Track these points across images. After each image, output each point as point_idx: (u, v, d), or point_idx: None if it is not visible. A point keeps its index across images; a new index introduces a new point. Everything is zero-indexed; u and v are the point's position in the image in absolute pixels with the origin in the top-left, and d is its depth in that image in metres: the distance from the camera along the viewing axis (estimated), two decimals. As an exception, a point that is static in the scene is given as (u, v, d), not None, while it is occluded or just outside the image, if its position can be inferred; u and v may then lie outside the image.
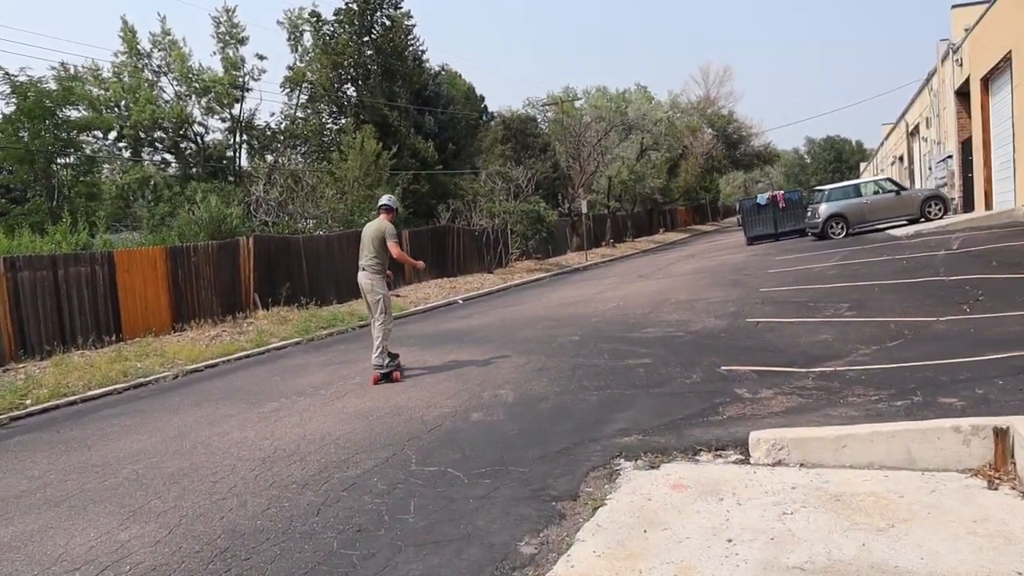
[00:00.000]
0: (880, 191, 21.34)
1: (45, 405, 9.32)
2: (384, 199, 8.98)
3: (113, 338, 13.34)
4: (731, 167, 58.04)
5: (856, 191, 21.39)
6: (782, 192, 25.45)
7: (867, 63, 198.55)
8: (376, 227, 8.63)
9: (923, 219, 20.67)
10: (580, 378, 7.30)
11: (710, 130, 53.28)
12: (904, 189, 21.26)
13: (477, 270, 25.46)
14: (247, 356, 12.20)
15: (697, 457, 4.73)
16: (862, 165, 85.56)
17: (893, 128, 48.01)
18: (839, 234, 20.91)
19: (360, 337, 13.42)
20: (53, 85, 25.80)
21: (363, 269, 8.61)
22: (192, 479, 5.39)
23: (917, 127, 37.83)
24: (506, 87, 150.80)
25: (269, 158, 33.82)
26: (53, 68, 28.82)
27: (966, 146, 25.17)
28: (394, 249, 8.51)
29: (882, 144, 55.28)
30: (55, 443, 7.23)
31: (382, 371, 8.38)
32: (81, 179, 26.91)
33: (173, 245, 15.01)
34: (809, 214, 22.32)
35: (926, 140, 35.14)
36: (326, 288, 18.66)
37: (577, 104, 42.45)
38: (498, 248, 26.10)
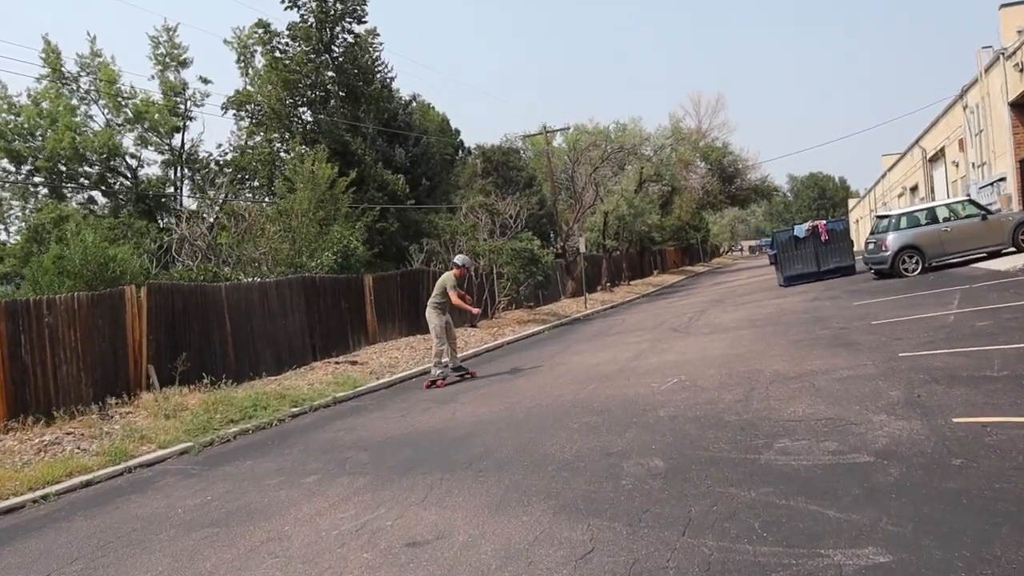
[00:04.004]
0: (955, 216, 17.15)
1: None
2: (457, 259, 12.39)
3: None
4: (727, 202, 53.96)
5: (931, 216, 17.15)
6: (824, 222, 21.08)
7: (852, 97, 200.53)
8: (447, 277, 11.91)
9: (1014, 249, 16.50)
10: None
11: (703, 164, 49.46)
12: (990, 213, 17.05)
13: (458, 323, 20.76)
14: (86, 485, 7.32)
15: None
16: (851, 201, 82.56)
17: (901, 157, 44.59)
18: (913, 270, 16.57)
19: (285, 437, 8.70)
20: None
21: (429, 305, 11.81)
22: None
23: (941, 151, 34.25)
24: (480, 125, 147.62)
25: (213, 194, 29.13)
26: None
27: (1027, 165, 21.47)
28: (453, 295, 11.67)
29: (884, 176, 51.86)
30: None
31: (431, 378, 11.60)
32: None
33: (12, 300, 10.17)
34: (871, 246, 17.98)
35: (957, 164, 31.51)
36: (260, 354, 13.93)
37: (555, 143, 38.56)
38: (483, 295, 21.49)
